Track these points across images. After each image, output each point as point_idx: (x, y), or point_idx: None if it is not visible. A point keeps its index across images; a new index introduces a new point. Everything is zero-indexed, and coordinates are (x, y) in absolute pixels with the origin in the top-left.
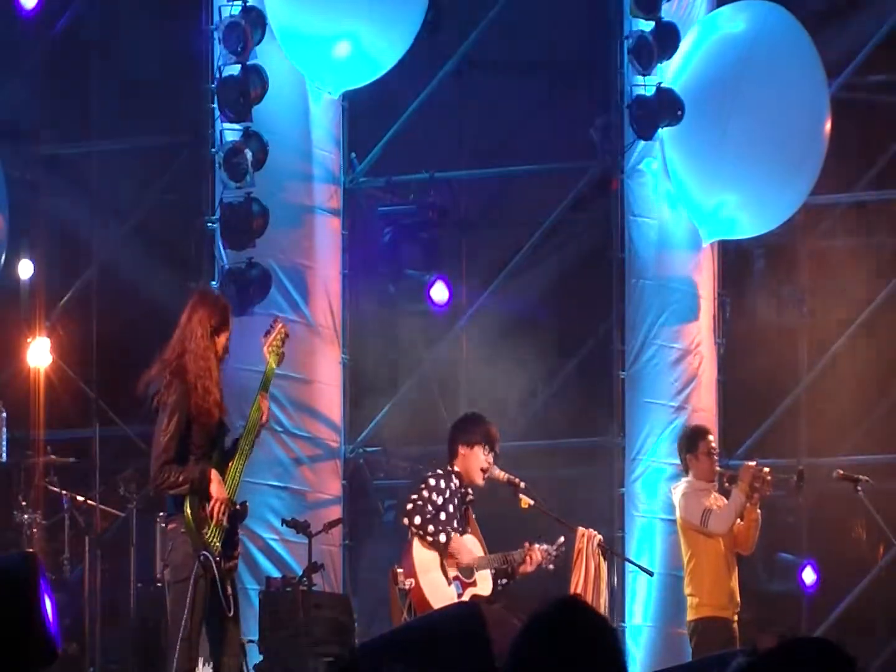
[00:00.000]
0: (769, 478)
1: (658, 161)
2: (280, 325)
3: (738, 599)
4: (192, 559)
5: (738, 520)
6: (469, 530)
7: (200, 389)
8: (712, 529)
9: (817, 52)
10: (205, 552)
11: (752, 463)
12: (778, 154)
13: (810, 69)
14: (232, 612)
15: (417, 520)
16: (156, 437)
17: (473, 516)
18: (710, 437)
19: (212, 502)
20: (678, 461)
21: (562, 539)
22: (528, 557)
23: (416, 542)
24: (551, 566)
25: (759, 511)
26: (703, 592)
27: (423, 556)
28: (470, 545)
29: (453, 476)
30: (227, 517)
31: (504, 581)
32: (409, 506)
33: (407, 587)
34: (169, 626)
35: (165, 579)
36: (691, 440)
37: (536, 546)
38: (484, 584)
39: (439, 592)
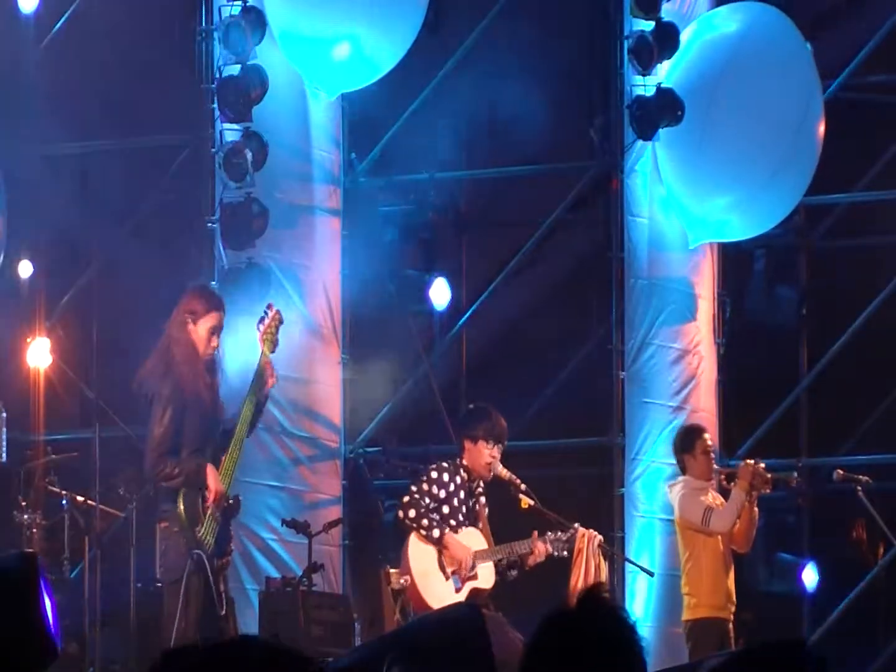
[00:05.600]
0: (768, 475)
1: (649, 160)
2: (274, 312)
3: (735, 599)
4: (185, 558)
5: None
6: (479, 524)
7: (185, 376)
8: (714, 528)
9: (810, 52)
10: (197, 550)
11: (751, 461)
12: (767, 155)
13: (801, 69)
14: (224, 611)
15: (412, 513)
16: (150, 429)
17: (486, 511)
18: (706, 436)
19: (210, 495)
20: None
21: (576, 525)
22: (534, 549)
23: (412, 537)
24: (564, 553)
25: (756, 509)
26: (700, 593)
27: (419, 552)
28: (469, 539)
29: (461, 469)
30: (221, 512)
31: (514, 573)
32: (406, 498)
33: (403, 584)
34: (164, 626)
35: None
36: (688, 439)
37: (548, 535)
38: (485, 576)
39: (436, 589)
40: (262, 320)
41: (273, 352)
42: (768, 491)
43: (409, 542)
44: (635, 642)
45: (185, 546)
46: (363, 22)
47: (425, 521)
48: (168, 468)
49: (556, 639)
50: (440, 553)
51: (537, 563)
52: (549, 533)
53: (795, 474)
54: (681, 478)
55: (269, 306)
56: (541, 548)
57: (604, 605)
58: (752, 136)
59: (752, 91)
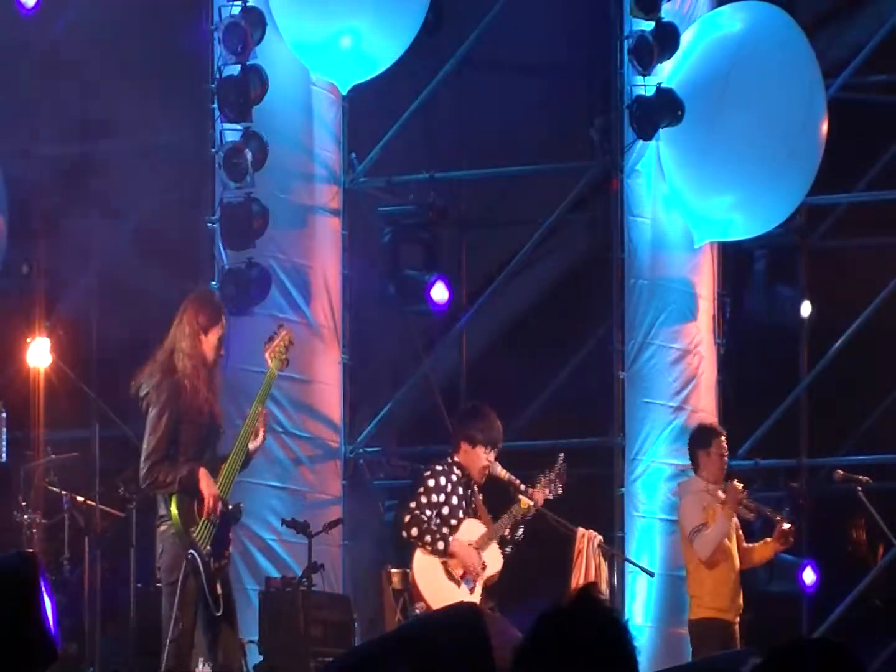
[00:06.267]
0: (752, 504)
1: (653, 160)
2: (284, 332)
3: (741, 602)
4: (182, 560)
5: (739, 537)
6: (478, 514)
7: (189, 388)
8: (696, 549)
9: (812, 52)
10: (192, 551)
11: (740, 485)
12: (771, 155)
13: (805, 69)
14: (221, 612)
15: (415, 531)
16: (146, 436)
17: (480, 497)
18: (724, 439)
19: (204, 499)
20: (677, 461)
21: (561, 457)
22: (530, 502)
23: (416, 556)
24: (560, 489)
25: (773, 556)
26: (704, 593)
27: (425, 571)
28: (470, 531)
29: (455, 467)
30: (219, 517)
31: (520, 532)
32: (407, 517)
33: (418, 612)
34: (162, 626)
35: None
36: (706, 437)
37: (539, 479)
38: (493, 561)
39: (453, 600)
40: (270, 339)
41: (282, 370)
42: (752, 517)
43: (413, 565)
44: (628, 642)
45: (182, 548)
46: (365, 16)
47: (428, 538)
48: (161, 476)
49: (548, 638)
50: (445, 564)
51: (538, 511)
52: (541, 476)
53: (787, 509)
54: (691, 477)
55: (279, 326)
56: (538, 496)
57: (597, 605)
58: (757, 135)
59: (756, 90)
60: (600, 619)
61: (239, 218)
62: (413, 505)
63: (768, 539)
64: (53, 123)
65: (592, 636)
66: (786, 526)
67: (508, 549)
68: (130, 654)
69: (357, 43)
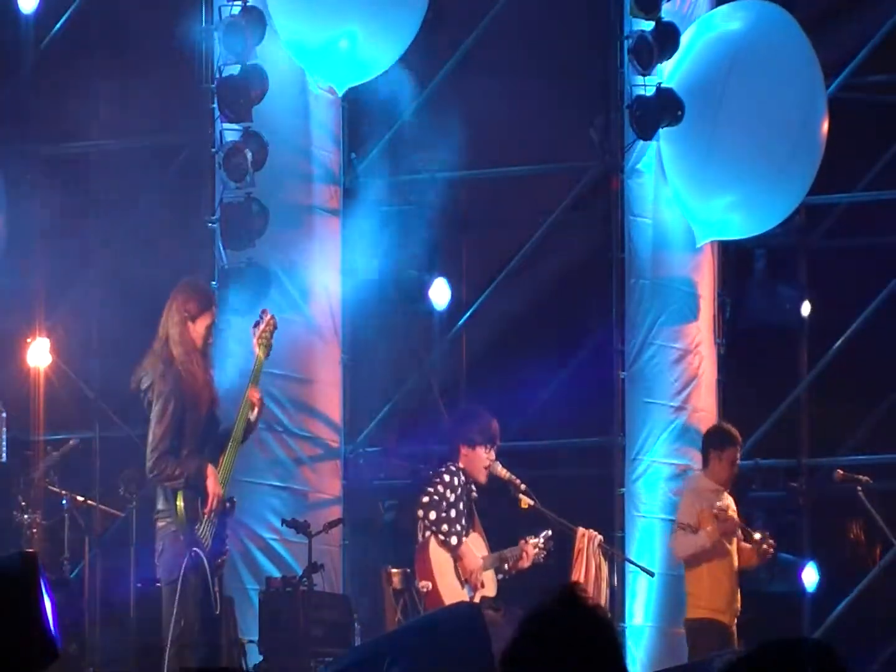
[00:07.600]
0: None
1: (654, 160)
2: (268, 317)
3: (739, 606)
4: (182, 557)
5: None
6: (473, 528)
7: (186, 374)
8: (672, 544)
9: (813, 51)
10: (196, 549)
11: (736, 518)
12: (772, 154)
13: (805, 68)
14: (219, 611)
15: (433, 515)
16: (152, 426)
17: (476, 513)
18: (738, 448)
19: (209, 498)
20: (678, 461)
21: (549, 532)
22: (523, 554)
23: (432, 541)
24: (542, 559)
25: (756, 558)
26: (701, 593)
27: (440, 557)
28: (475, 547)
29: (460, 473)
30: (218, 513)
31: (500, 577)
32: (426, 498)
33: (423, 591)
34: (163, 626)
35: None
36: (723, 441)
37: (531, 541)
38: (489, 584)
39: (455, 597)
40: (256, 324)
41: (267, 356)
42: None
43: (430, 546)
44: (612, 639)
45: (183, 545)
46: (362, 20)
47: (445, 527)
48: (169, 468)
49: (533, 637)
50: (455, 561)
51: (523, 569)
52: (532, 538)
53: (768, 532)
54: (698, 472)
55: (263, 311)
56: (530, 553)
57: (580, 603)
58: (758, 135)
59: (756, 89)
60: (583, 618)
61: (239, 218)
62: (431, 490)
63: (753, 547)
64: (53, 123)
65: (576, 634)
66: (767, 541)
67: (500, 577)
68: (130, 654)
69: (354, 46)
